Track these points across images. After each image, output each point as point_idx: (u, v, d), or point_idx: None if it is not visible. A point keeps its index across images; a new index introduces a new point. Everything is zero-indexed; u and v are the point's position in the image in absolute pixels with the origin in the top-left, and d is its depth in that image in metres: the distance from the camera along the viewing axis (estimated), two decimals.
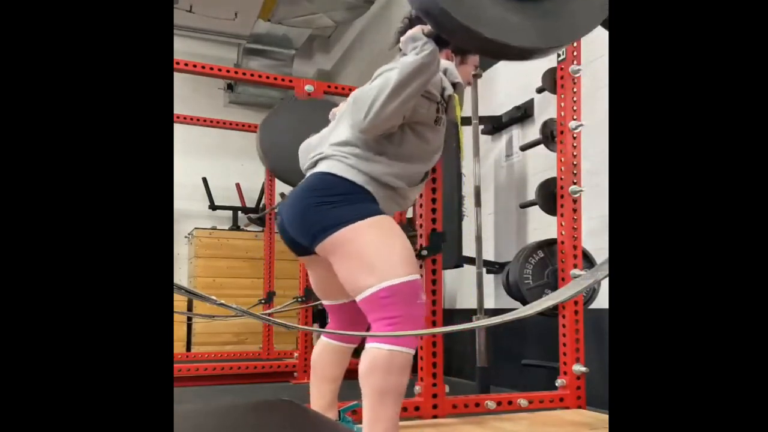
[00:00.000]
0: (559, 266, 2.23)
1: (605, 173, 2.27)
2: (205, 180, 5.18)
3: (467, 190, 3.29)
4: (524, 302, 2.30)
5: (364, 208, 1.38)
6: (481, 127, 3.29)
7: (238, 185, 5.33)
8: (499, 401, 2.08)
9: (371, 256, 1.33)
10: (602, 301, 2.33)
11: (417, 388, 2.00)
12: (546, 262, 2.35)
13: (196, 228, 4.95)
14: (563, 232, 2.21)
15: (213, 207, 5.22)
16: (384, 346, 1.30)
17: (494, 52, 0.89)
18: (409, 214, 3.41)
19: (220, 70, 3.42)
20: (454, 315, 3.61)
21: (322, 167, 1.44)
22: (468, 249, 3.00)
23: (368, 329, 1.40)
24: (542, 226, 2.84)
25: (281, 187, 4.02)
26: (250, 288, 4.62)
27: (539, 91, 2.63)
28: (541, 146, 2.60)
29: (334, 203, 1.37)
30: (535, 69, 2.51)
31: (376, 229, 1.37)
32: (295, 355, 3.56)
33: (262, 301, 4.07)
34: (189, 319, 4.62)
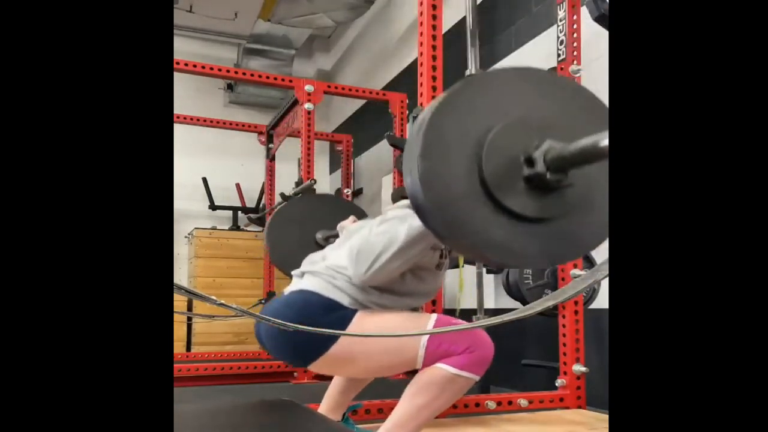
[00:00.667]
0: (559, 266, 2.23)
1: None
2: (205, 180, 5.18)
3: None
4: (524, 302, 2.30)
5: (343, 315, 1.35)
6: None
7: (238, 185, 5.33)
8: (499, 401, 2.08)
9: (388, 341, 1.32)
10: (602, 301, 2.33)
11: None
12: None
13: (196, 228, 4.94)
14: None
15: (213, 207, 5.21)
16: (451, 368, 1.29)
17: (491, 264, 0.91)
18: None
19: (220, 70, 3.42)
20: (453, 315, 3.61)
21: (306, 284, 1.41)
22: None
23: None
24: None
25: (281, 187, 4.02)
26: (250, 288, 4.62)
27: None
28: None
29: (316, 321, 1.31)
30: None
31: (367, 320, 1.35)
32: None
33: (262, 301, 4.06)
34: (189, 319, 4.61)
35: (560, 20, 2.28)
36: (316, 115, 3.40)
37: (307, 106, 3.33)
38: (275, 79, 3.59)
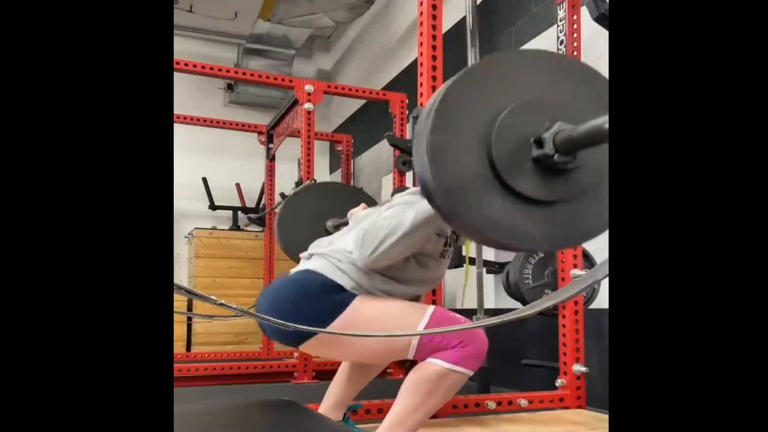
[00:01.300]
0: (559, 266, 2.23)
1: None
2: (205, 180, 5.18)
3: None
4: (524, 302, 2.30)
5: (342, 298, 1.36)
6: None
7: (238, 185, 5.33)
8: (499, 401, 2.08)
9: (383, 328, 1.32)
10: (602, 301, 2.33)
11: None
12: (546, 262, 2.35)
13: (196, 228, 4.94)
14: None
15: (213, 207, 5.21)
16: (445, 363, 1.29)
17: (497, 247, 0.90)
18: None
19: (220, 70, 3.42)
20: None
21: (312, 264, 1.42)
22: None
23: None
24: None
25: (281, 187, 4.03)
26: (250, 288, 4.62)
27: None
28: None
29: (314, 301, 1.35)
30: None
31: (365, 305, 1.35)
32: (295, 355, 3.56)
33: None
34: (189, 319, 4.61)
35: (560, 20, 2.29)
36: (316, 115, 3.40)
37: (307, 106, 3.33)
38: (275, 79, 3.59)
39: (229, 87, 5.57)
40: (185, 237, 5.23)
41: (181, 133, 4.58)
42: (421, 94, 1.96)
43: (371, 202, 2.06)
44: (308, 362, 3.24)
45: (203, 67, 3.37)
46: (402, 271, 1.41)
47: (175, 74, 2.80)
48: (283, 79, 3.58)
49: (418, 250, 1.40)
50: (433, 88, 1.94)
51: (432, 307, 1.36)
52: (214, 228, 5.04)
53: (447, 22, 2.46)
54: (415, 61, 2.04)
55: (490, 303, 3.16)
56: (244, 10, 5.09)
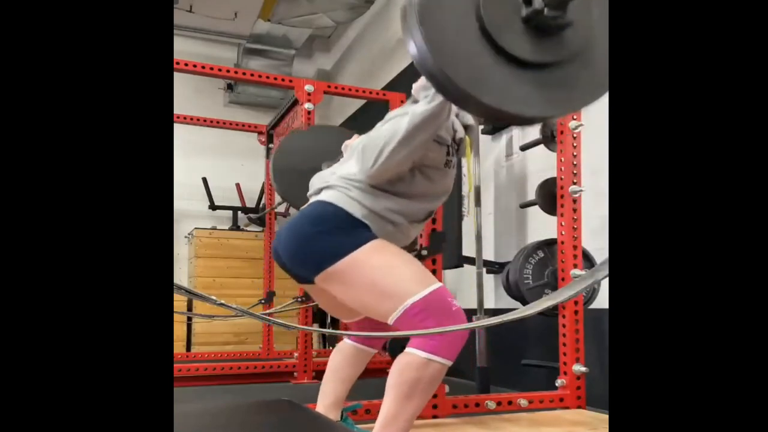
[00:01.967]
0: (559, 266, 2.23)
1: (605, 173, 2.27)
2: (205, 180, 5.18)
3: (467, 190, 3.29)
4: (524, 302, 2.30)
5: (360, 235, 1.36)
6: (481, 127, 3.29)
7: (238, 185, 5.33)
8: (499, 401, 2.08)
9: (380, 281, 1.32)
10: (602, 301, 2.33)
11: None
12: (546, 262, 2.35)
13: (196, 228, 4.95)
14: (563, 232, 2.21)
15: (213, 207, 5.21)
16: (421, 353, 1.27)
17: (496, 117, 0.88)
18: None
19: (220, 70, 3.42)
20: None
21: (323, 196, 1.43)
22: (468, 249, 3.00)
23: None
24: (542, 226, 2.84)
25: None
26: (250, 288, 4.62)
27: None
28: (541, 146, 2.59)
29: (329, 234, 1.36)
30: None
31: (377, 253, 1.35)
32: (295, 355, 3.56)
33: (262, 301, 4.06)
34: (189, 319, 4.62)
35: None
36: (316, 115, 3.40)
37: (307, 106, 3.33)
38: (275, 79, 3.59)
39: (229, 87, 5.57)
40: (185, 237, 5.23)
41: (181, 133, 4.58)
42: None
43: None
44: (308, 362, 3.24)
45: (203, 67, 3.36)
46: (409, 186, 1.41)
47: (175, 74, 2.80)
48: (283, 79, 3.57)
49: (420, 161, 1.40)
50: None
51: (437, 285, 1.32)
52: (214, 228, 5.04)
53: None
54: None
55: (490, 303, 3.17)
56: (244, 10, 5.09)
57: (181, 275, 5.23)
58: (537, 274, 2.34)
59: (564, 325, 2.17)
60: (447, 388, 2.03)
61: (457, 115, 1.51)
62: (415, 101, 1.33)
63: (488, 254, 3.31)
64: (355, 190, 1.40)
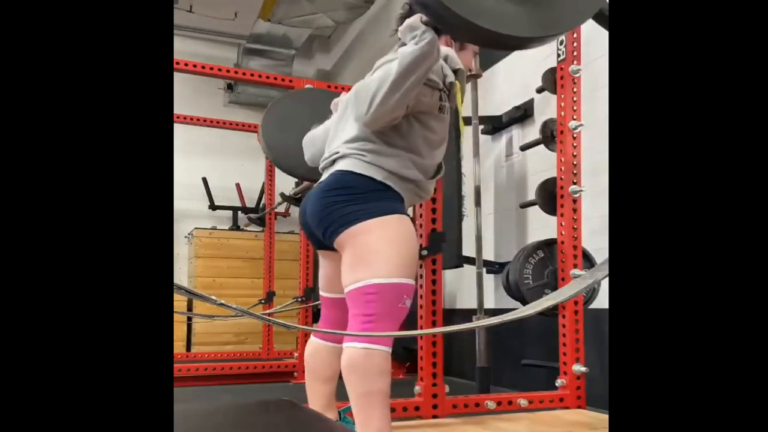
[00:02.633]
0: (559, 266, 2.23)
1: (605, 173, 2.27)
2: (205, 180, 5.18)
3: (467, 190, 3.29)
4: (524, 302, 2.30)
5: (384, 206, 1.38)
6: (481, 127, 3.29)
7: (238, 185, 5.33)
8: (499, 401, 2.08)
9: (372, 252, 1.34)
10: (602, 301, 2.33)
11: (417, 388, 2.00)
12: (546, 262, 2.35)
13: (196, 228, 4.95)
14: (563, 232, 2.21)
15: (213, 207, 5.21)
16: (358, 344, 1.30)
17: (492, 42, 0.88)
18: (409, 213, 3.41)
19: (220, 70, 3.42)
20: (454, 315, 3.61)
21: (341, 166, 1.44)
22: (468, 249, 3.00)
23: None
24: (542, 226, 2.84)
25: (281, 187, 4.02)
26: (250, 288, 4.62)
27: (539, 91, 2.63)
28: (541, 146, 2.59)
29: (354, 201, 1.38)
30: (535, 69, 2.51)
31: (388, 228, 1.37)
32: (295, 355, 3.56)
33: (262, 301, 4.07)
34: (189, 319, 4.62)
35: None
36: None
37: None
38: (275, 79, 3.59)
39: (229, 87, 5.57)
40: (185, 237, 5.23)
41: (180, 133, 4.58)
42: None
43: None
44: None
45: (203, 67, 3.37)
46: (411, 137, 1.42)
47: (175, 74, 2.80)
48: (283, 79, 3.58)
49: (415, 108, 1.41)
50: None
51: (405, 280, 1.35)
52: (214, 228, 5.04)
53: None
54: None
55: (490, 303, 3.17)
56: (244, 10, 5.09)
57: (181, 275, 5.23)
58: (537, 274, 2.34)
59: (564, 325, 2.17)
60: (447, 388, 2.03)
61: (445, 59, 1.50)
62: (403, 44, 1.33)
63: (488, 254, 3.31)
64: (369, 154, 1.41)
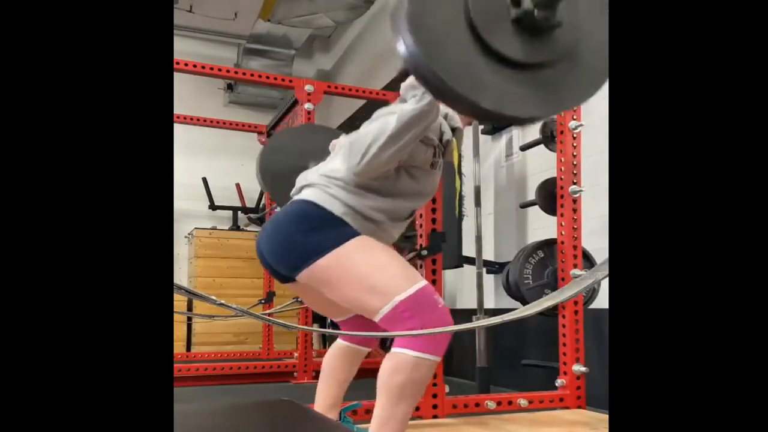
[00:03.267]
0: (559, 266, 2.23)
1: (605, 173, 2.27)
2: (205, 180, 5.18)
3: (467, 190, 3.29)
4: (524, 302, 2.30)
5: (341, 233, 1.35)
6: (481, 127, 3.29)
7: (238, 185, 5.33)
8: (499, 401, 2.08)
9: (367, 277, 1.31)
10: (602, 301, 2.33)
11: None
12: (546, 262, 2.35)
13: (196, 228, 4.95)
14: (563, 232, 2.21)
15: (213, 207, 5.22)
16: (410, 352, 1.27)
17: (490, 118, 0.88)
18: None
19: (220, 70, 3.42)
20: (454, 315, 3.61)
21: (304, 194, 1.42)
22: (468, 249, 3.00)
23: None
24: (542, 226, 2.84)
25: None
26: (250, 288, 4.62)
27: None
28: (541, 146, 2.60)
29: (311, 231, 1.35)
30: None
31: (361, 250, 1.34)
32: (295, 355, 3.56)
33: (262, 301, 4.07)
34: (189, 319, 4.62)
35: None
36: (316, 115, 3.40)
37: (307, 106, 3.33)
38: (275, 79, 3.59)
39: (229, 87, 5.57)
40: (185, 237, 5.23)
41: (181, 133, 4.58)
42: None
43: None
44: (308, 362, 3.25)
45: (203, 67, 3.37)
46: (394, 184, 1.40)
47: (175, 74, 2.80)
48: (283, 79, 3.58)
49: (407, 161, 1.40)
50: None
51: (422, 283, 1.32)
52: (214, 228, 5.04)
53: None
54: None
55: (490, 303, 3.17)
56: (244, 10, 5.09)
57: (181, 275, 5.23)
58: (537, 274, 2.34)
59: (564, 325, 2.17)
60: (447, 388, 2.03)
61: (445, 117, 1.50)
62: (404, 101, 1.33)
63: (488, 254, 3.31)
64: (335, 187, 1.39)
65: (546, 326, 2.51)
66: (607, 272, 0.81)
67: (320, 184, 1.41)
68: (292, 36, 5.17)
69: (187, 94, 4.98)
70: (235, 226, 5.21)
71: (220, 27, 5.51)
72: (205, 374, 3.32)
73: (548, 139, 2.48)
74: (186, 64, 3.25)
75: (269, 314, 3.41)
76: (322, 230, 1.35)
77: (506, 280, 2.43)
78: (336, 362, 1.65)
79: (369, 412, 1.82)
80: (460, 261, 3.05)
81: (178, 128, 3.84)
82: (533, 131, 3.04)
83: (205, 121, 4.36)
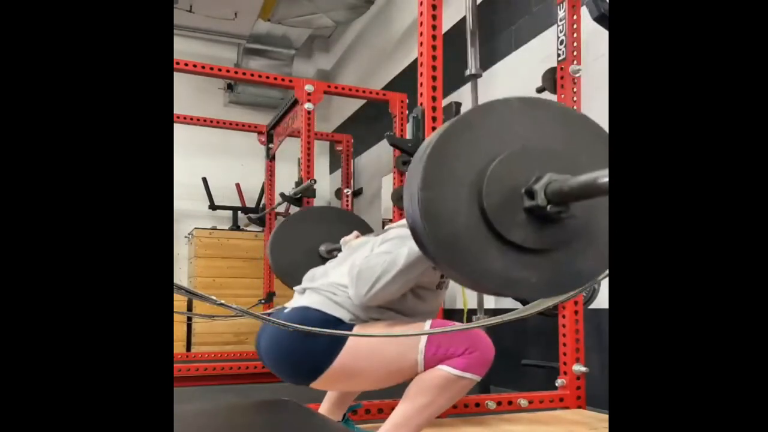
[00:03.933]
0: None
1: None
2: (205, 180, 5.18)
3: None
4: (524, 302, 2.30)
5: (345, 329, 1.35)
6: None
7: (238, 185, 5.33)
8: (499, 401, 2.07)
9: (383, 353, 1.32)
10: (602, 301, 2.33)
11: None
12: None
13: (196, 228, 4.94)
14: None
15: (213, 207, 5.21)
16: (454, 370, 1.29)
17: (497, 295, 0.90)
18: None
19: (220, 70, 3.42)
20: (454, 315, 3.61)
21: (306, 301, 1.42)
22: None
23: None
24: None
25: (281, 187, 4.03)
26: (250, 288, 4.62)
27: (539, 91, 2.63)
28: None
29: (315, 341, 1.34)
30: (535, 69, 2.51)
31: (367, 331, 1.35)
32: None
33: (262, 301, 4.06)
34: (189, 319, 4.61)
35: (560, 20, 2.29)
36: (316, 115, 3.40)
37: (307, 106, 3.33)
38: (275, 79, 3.59)
39: (229, 87, 5.57)
40: (185, 237, 5.23)
41: (181, 133, 4.58)
42: (421, 94, 1.96)
43: (365, 229, 2.06)
44: None
45: (203, 67, 3.37)
46: (398, 304, 1.40)
47: (175, 74, 2.80)
48: (283, 79, 3.58)
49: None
50: (433, 88, 1.94)
51: (429, 321, 1.35)
52: (214, 228, 5.04)
53: (447, 22, 2.46)
54: (415, 61, 2.04)
55: (490, 303, 3.16)
56: (244, 10, 5.09)
57: (181, 275, 5.23)
58: None
59: (564, 325, 2.17)
60: None
61: None
62: None
63: None
64: (342, 297, 1.38)
65: (546, 326, 2.50)
66: (607, 272, 0.80)
67: (326, 292, 1.41)
68: (292, 36, 5.17)
69: (187, 94, 4.98)
70: (235, 226, 5.21)
71: (220, 27, 5.51)
72: (205, 374, 3.32)
73: None
74: (186, 64, 3.25)
75: (269, 314, 3.41)
76: (326, 338, 1.34)
77: None
78: None
79: (369, 412, 1.83)
80: None
81: (178, 128, 3.83)
82: None
83: (205, 121, 4.36)
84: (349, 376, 1.36)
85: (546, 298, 0.87)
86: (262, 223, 4.56)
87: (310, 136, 3.33)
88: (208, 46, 5.64)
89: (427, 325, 1.34)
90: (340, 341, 1.33)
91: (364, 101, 4.69)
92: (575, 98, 2.22)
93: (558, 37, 2.30)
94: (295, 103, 3.64)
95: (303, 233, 2.20)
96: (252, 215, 5.12)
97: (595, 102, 2.48)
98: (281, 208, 4.38)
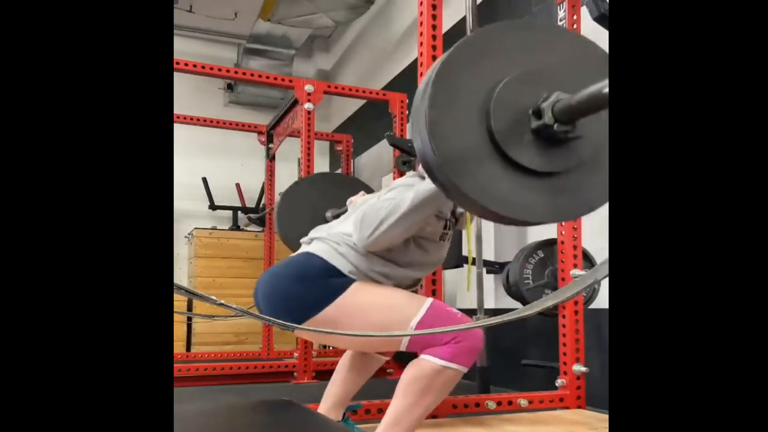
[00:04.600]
0: (559, 266, 2.23)
1: None
2: (205, 180, 5.18)
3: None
4: (524, 302, 2.30)
5: (343, 282, 1.37)
6: None
7: (238, 185, 5.33)
8: (499, 401, 2.07)
9: (376, 317, 1.33)
10: (602, 301, 2.33)
11: None
12: (546, 262, 2.35)
13: (196, 228, 4.94)
14: (563, 232, 2.21)
15: (213, 207, 5.21)
16: (438, 360, 1.28)
17: (501, 221, 0.89)
18: None
19: (220, 70, 3.42)
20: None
21: (312, 248, 1.43)
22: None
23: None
24: (542, 226, 2.83)
25: (281, 187, 4.03)
26: (250, 288, 4.59)
27: None
28: None
29: (312, 283, 1.36)
30: None
31: (362, 293, 1.36)
32: (295, 355, 3.56)
33: None
34: (189, 319, 4.61)
35: (560, 20, 2.28)
36: (316, 115, 3.40)
37: (307, 106, 3.33)
38: (275, 79, 3.59)
39: (229, 87, 5.57)
40: (185, 237, 5.23)
41: (181, 133, 4.58)
42: None
43: (370, 191, 2.08)
44: (308, 362, 3.24)
45: (203, 67, 3.37)
46: (401, 254, 1.41)
47: (175, 74, 2.80)
48: (283, 79, 3.58)
49: (417, 233, 1.40)
50: None
51: (429, 300, 1.34)
52: (214, 228, 5.04)
53: (447, 22, 2.46)
54: (415, 61, 2.04)
55: (490, 303, 3.17)
56: (244, 10, 5.09)
57: (181, 275, 5.23)
58: (537, 274, 2.34)
59: (564, 325, 2.17)
60: None
61: None
62: (421, 176, 1.33)
63: (488, 254, 3.31)
64: (345, 246, 1.40)
65: (546, 326, 2.50)
66: (607, 272, 0.80)
67: (331, 241, 1.42)
68: (292, 36, 5.17)
69: (187, 94, 4.98)
70: (235, 226, 5.21)
71: (220, 27, 5.51)
72: (205, 374, 3.32)
73: None
74: (186, 64, 3.25)
75: None
76: (323, 282, 1.36)
77: (506, 280, 2.43)
78: (349, 365, 1.65)
79: (369, 412, 1.83)
80: (460, 261, 3.05)
81: (178, 128, 3.83)
82: None
83: (205, 121, 4.36)
84: (333, 327, 1.36)
85: (547, 300, 0.87)
86: (262, 223, 4.57)
87: (310, 136, 3.33)
88: (208, 46, 5.64)
89: (427, 303, 1.34)
90: (337, 292, 1.34)
91: (364, 101, 4.69)
92: None
93: None
94: (295, 103, 3.64)
95: (308, 200, 2.20)
96: (252, 215, 5.12)
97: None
98: None
